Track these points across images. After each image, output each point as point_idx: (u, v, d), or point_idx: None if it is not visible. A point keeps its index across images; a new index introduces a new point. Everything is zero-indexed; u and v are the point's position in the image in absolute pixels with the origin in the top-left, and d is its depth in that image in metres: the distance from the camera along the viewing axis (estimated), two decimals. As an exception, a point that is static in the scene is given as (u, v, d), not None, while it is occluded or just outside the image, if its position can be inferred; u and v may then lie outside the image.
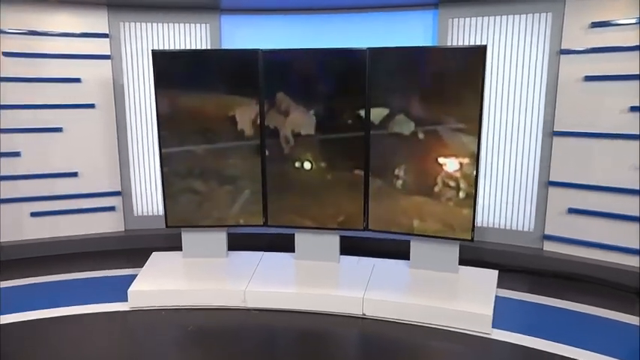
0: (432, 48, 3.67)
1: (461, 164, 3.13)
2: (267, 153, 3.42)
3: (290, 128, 3.37)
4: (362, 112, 3.26)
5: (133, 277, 3.41)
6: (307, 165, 3.40)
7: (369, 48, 3.21)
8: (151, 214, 4.36)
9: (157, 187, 4.30)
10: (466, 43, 3.80)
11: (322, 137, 3.36)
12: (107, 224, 4.28)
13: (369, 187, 3.35)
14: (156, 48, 4.11)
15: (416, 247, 3.42)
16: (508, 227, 3.95)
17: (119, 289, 3.32)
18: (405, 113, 3.19)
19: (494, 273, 3.37)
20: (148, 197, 4.34)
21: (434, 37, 3.94)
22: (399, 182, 3.28)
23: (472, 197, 3.14)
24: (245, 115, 3.38)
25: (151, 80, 3.83)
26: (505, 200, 3.93)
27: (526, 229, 3.89)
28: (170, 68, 3.38)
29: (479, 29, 3.79)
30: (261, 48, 3.32)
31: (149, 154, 4.28)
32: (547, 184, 3.75)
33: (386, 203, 3.34)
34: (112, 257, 4.02)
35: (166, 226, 3.59)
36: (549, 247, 3.81)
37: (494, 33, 3.76)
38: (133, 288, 3.26)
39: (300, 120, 3.35)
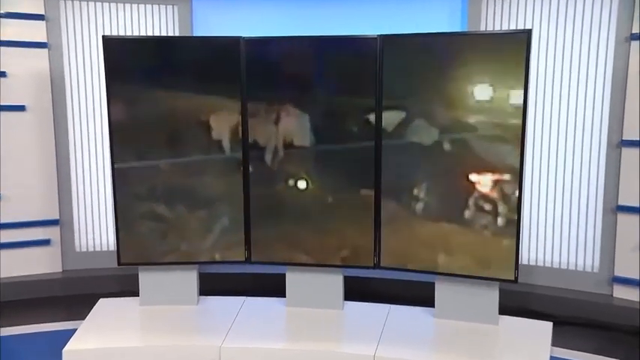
0: (460, 35, 3.85)
1: (499, 182, 3.30)
2: (250, 169, 3.63)
3: (280, 137, 3.58)
4: (371, 117, 3.47)
5: (72, 332, 3.53)
6: (302, 184, 3.60)
7: (380, 35, 3.41)
8: (98, 248, 4.55)
9: (107, 214, 4.49)
10: (504, 28, 4.02)
11: (321, 148, 3.57)
12: (40, 263, 4.44)
13: (381, 211, 3.53)
14: (108, 34, 4.33)
15: (442, 289, 3.58)
16: (564, 266, 4.11)
17: (53, 349, 3.43)
18: (425, 118, 3.39)
19: (548, 326, 3.50)
20: (95, 227, 4.54)
21: (463, 22, 4.19)
22: (420, 205, 3.47)
23: (515, 225, 3.29)
24: (223, 120, 3.60)
25: (101, 76, 3.98)
26: (559, 230, 4.09)
27: (588, 269, 4.06)
28: (127, 60, 3.60)
29: (521, 12, 4.02)
30: (243, 35, 3.54)
31: (98, 170, 4.49)
32: (615, 209, 3.92)
33: (403, 233, 3.52)
34: (45, 306, 4.18)
35: (119, 264, 3.75)
36: (620, 292, 3.96)
37: (542, 16, 3.98)
38: (70, 347, 3.38)
39: (292, 127, 3.56)
